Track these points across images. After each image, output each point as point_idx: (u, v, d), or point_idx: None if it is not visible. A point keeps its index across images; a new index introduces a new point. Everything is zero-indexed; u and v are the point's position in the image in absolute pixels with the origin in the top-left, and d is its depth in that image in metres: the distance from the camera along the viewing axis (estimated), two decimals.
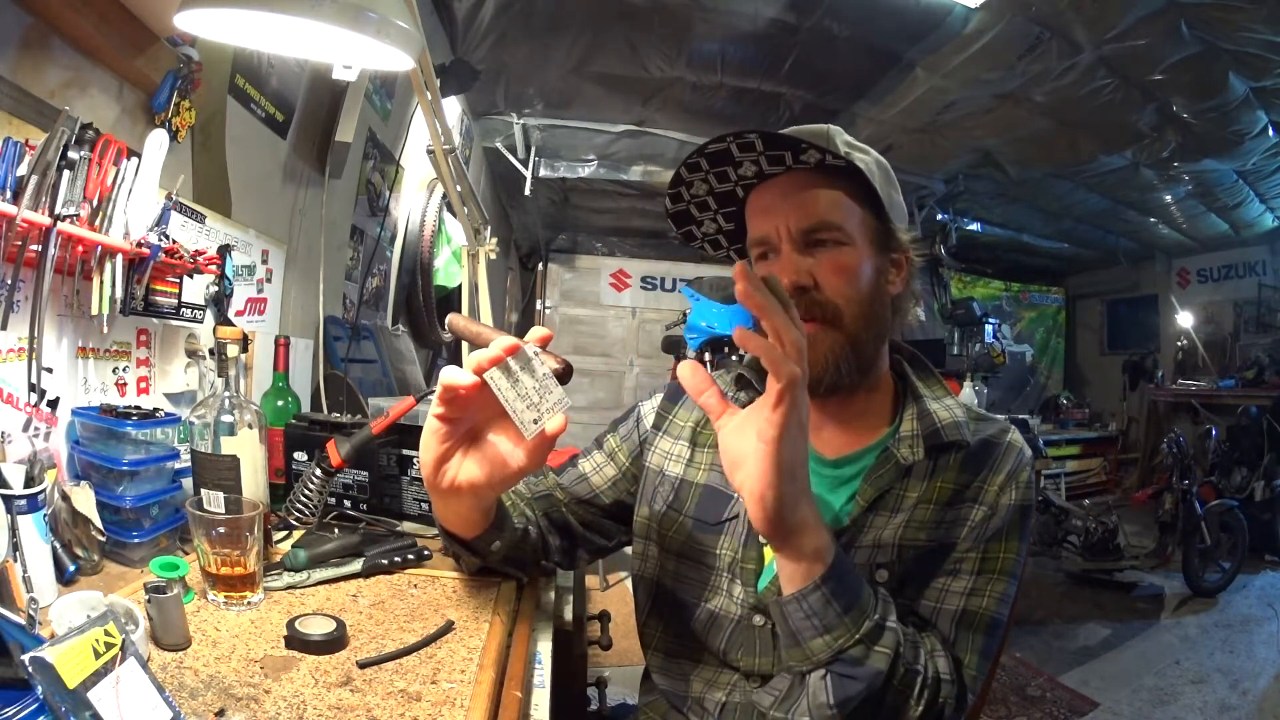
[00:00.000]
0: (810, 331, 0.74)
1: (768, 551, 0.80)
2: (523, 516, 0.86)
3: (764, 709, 0.74)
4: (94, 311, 0.93)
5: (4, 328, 0.82)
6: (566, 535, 0.92)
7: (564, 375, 0.64)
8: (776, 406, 0.55)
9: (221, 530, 0.76)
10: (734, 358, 3.25)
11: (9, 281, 0.82)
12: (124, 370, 1.07)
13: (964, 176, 4.30)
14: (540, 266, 6.27)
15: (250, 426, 0.96)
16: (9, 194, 0.79)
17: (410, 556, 0.93)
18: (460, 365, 0.64)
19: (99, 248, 0.91)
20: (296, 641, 0.68)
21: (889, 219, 0.78)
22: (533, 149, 3.85)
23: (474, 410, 0.65)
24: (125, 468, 0.89)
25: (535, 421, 0.61)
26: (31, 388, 0.85)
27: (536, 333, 0.63)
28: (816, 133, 0.78)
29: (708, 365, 3.48)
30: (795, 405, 0.55)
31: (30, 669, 0.44)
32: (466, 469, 0.67)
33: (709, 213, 0.84)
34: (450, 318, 0.86)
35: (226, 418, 0.94)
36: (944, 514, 0.75)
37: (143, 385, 1.12)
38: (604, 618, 1.18)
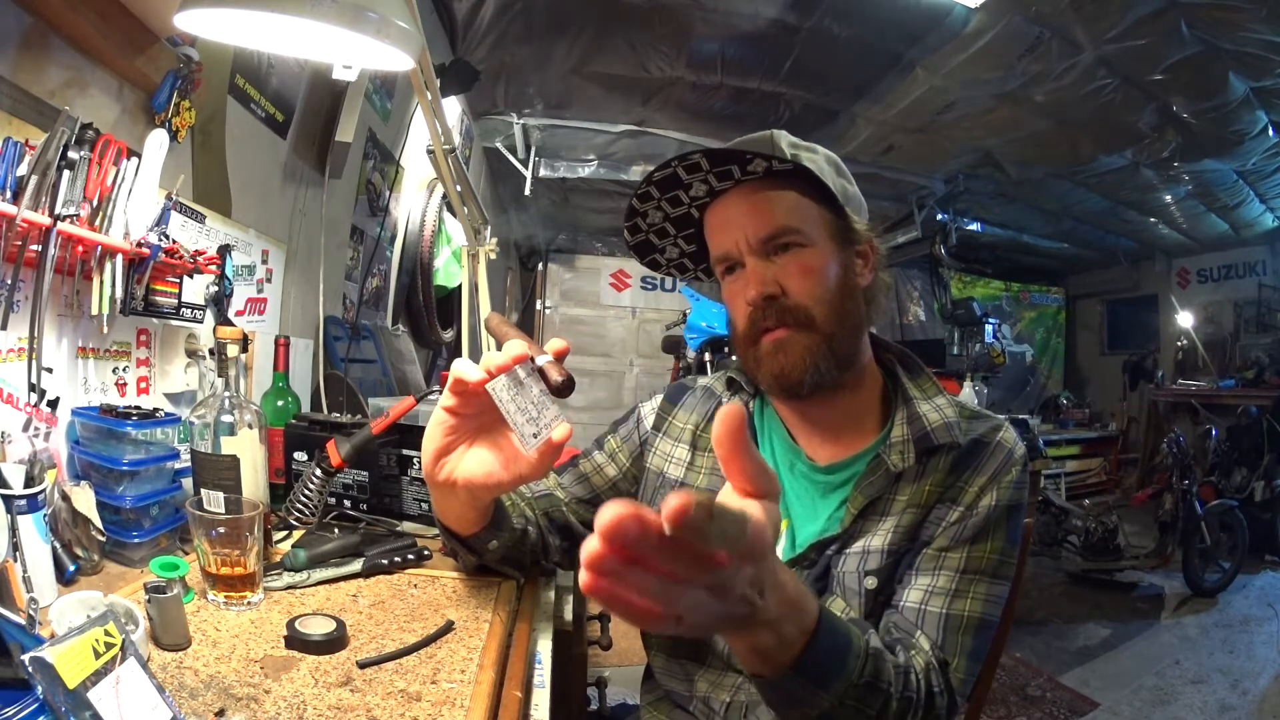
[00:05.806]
0: (783, 336, 0.75)
1: None
2: (522, 517, 0.86)
3: None
4: (94, 311, 0.93)
5: (4, 328, 0.82)
6: (567, 536, 0.92)
7: (563, 390, 0.63)
8: None
9: (221, 530, 0.76)
10: (734, 358, 3.24)
11: (9, 281, 0.82)
12: (124, 370, 1.07)
13: (964, 176, 4.30)
14: (540, 266, 6.27)
15: (250, 426, 0.96)
16: (9, 194, 0.79)
17: (410, 556, 0.93)
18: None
19: (99, 248, 0.91)
20: (296, 641, 0.68)
21: (846, 213, 0.78)
22: (533, 149, 3.85)
23: (484, 409, 0.65)
24: (125, 468, 0.89)
25: (535, 436, 0.60)
26: (31, 388, 0.85)
27: (554, 344, 0.61)
28: (760, 140, 0.78)
29: (707, 366, 3.48)
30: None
31: (30, 669, 0.44)
32: (465, 466, 0.67)
33: (669, 239, 0.85)
34: (487, 316, 0.88)
35: (226, 418, 0.94)
36: (927, 515, 0.75)
37: (143, 385, 1.12)
38: (604, 618, 1.18)
